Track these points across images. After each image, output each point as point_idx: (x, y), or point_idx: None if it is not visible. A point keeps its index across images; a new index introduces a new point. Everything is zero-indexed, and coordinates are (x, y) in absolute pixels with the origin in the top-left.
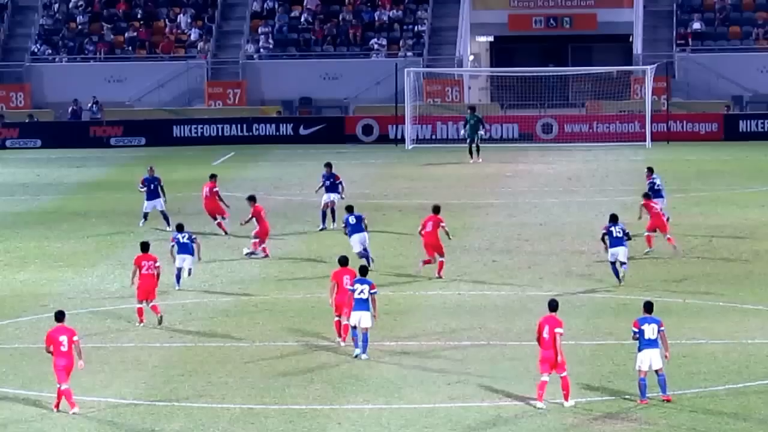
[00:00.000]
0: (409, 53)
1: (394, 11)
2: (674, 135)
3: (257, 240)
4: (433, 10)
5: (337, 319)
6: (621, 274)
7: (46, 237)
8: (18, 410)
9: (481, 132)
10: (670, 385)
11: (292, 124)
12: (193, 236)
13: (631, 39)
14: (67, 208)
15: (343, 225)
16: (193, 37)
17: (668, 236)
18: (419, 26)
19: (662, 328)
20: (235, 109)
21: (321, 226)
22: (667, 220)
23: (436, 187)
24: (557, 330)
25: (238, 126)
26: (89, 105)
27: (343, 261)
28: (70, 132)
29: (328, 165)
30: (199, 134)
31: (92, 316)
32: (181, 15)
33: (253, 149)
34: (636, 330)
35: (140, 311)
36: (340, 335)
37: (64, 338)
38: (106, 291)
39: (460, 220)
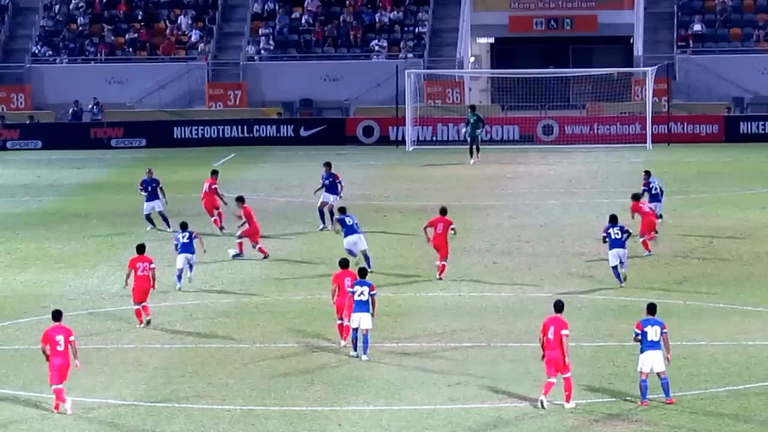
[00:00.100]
0: (410, 55)
1: (395, 13)
2: (675, 137)
3: (242, 240)
4: (433, 12)
5: (339, 322)
6: (622, 276)
7: (46, 238)
8: (18, 411)
9: (479, 131)
10: (671, 386)
11: (292, 126)
12: (194, 233)
13: (631, 41)
14: (68, 210)
15: (338, 224)
16: (193, 39)
17: (645, 238)
18: (420, 28)
19: (665, 331)
20: (235, 110)
21: (321, 226)
22: (660, 217)
23: (437, 189)
24: (563, 332)
25: (239, 127)
26: (90, 106)
27: (344, 263)
28: (70, 133)
29: (328, 164)
30: (200, 136)
31: (93, 317)
32: (182, 16)
33: (253, 150)
34: (638, 331)
35: (138, 312)
36: (342, 338)
37: (60, 338)
38: (106, 292)
39: (461, 222)
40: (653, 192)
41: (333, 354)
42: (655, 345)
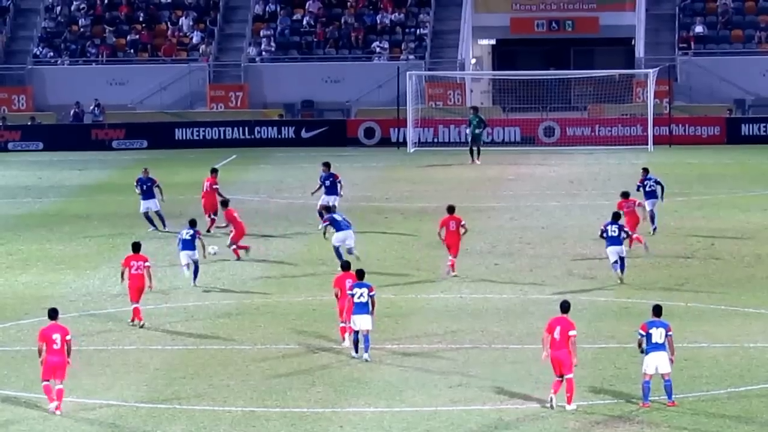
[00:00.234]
0: (411, 56)
1: (396, 14)
2: (676, 138)
3: (235, 247)
4: (435, 13)
5: (342, 325)
6: (621, 269)
7: (47, 239)
8: (20, 412)
9: (478, 130)
10: (672, 389)
11: (294, 127)
12: (198, 233)
13: (633, 42)
14: (69, 211)
15: (327, 222)
16: (195, 40)
17: (635, 235)
18: (421, 29)
19: (670, 333)
20: (237, 112)
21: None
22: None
23: (438, 191)
24: (571, 333)
25: (240, 129)
26: (91, 108)
27: (346, 266)
28: (72, 135)
29: (326, 164)
30: (201, 137)
31: (94, 318)
32: (183, 18)
33: (255, 152)
34: (644, 333)
35: (135, 310)
36: (343, 337)
37: (57, 336)
38: (107, 293)
39: None
40: (648, 189)
41: (334, 355)
42: (659, 347)
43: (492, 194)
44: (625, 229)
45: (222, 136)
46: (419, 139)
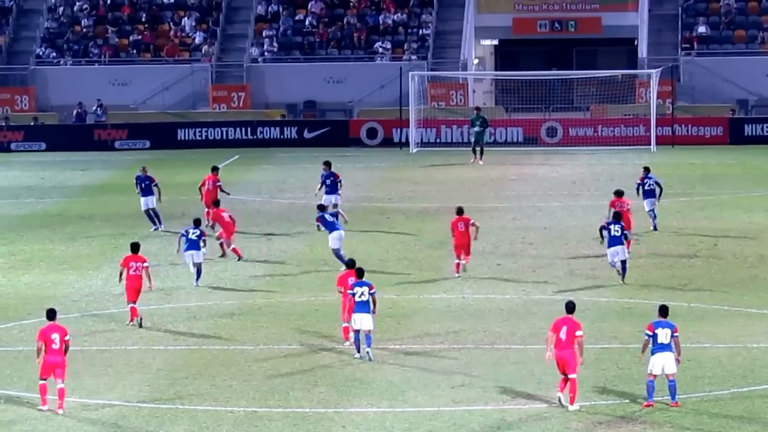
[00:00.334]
0: (414, 57)
1: (399, 14)
2: (679, 139)
3: (233, 246)
4: (437, 14)
5: (345, 324)
6: (622, 272)
7: (50, 240)
8: (22, 412)
9: (478, 129)
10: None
11: (296, 128)
12: (204, 234)
13: (636, 43)
14: (72, 211)
15: (318, 222)
16: (197, 41)
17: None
18: (424, 30)
19: (676, 334)
20: (239, 112)
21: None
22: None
23: (440, 191)
24: (578, 333)
25: (243, 129)
26: (94, 108)
27: (351, 264)
28: (74, 135)
29: (327, 163)
30: (204, 137)
31: (96, 318)
32: (186, 18)
33: (257, 152)
34: (650, 333)
35: (133, 309)
36: (345, 338)
37: (56, 336)
38: (110, 293)
39: None
40: (646, 188)
41: (336, 355)
42: (665, 347)
43: (494, 195)
44: (626, 231)
45: (224, 137)
46: (422, 139)
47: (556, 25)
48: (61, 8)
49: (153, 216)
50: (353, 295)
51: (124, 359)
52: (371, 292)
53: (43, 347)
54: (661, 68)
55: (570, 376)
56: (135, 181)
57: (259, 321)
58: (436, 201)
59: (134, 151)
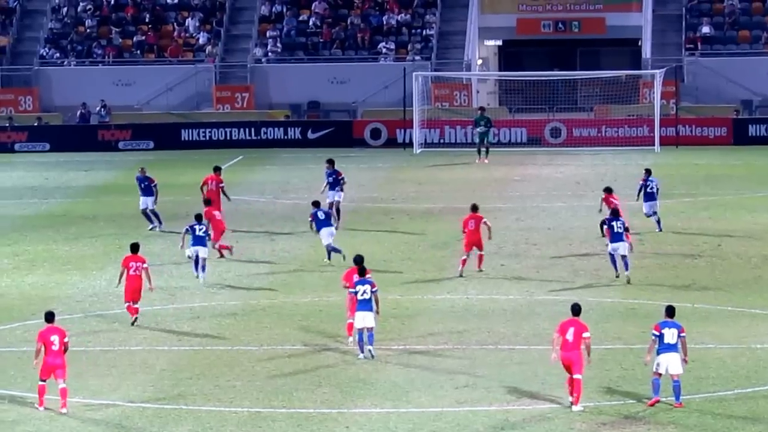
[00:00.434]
0: (418, 57)
1: (403, 15)
2: (683, 139)
3: (225, 244)
4: (441, 14)
5: (350, 321)
6: (621, 271)
7: (54, 240)
8: (26, 413)
9: (481, 129)
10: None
11: (300, 128)
12: (209, 233)
13: (639, 43)
14: (75, 212)
15: (310, 219)
16: (201, 41)
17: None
18: (427, 30)
19: (683, 335)
20: (243, 112)
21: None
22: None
23: (444, 191)
24: (585, 335)
25: (246, 130)
26: (97, 109)
27: (359, 260)
28: (78, 135)
29: (330, 161)
30: (207, 138)
31: (100, 318)
32: (190, 19)
33: (261, 153)
34: (657, 333)
35: (129, 309)
36: (349, 334)
37: (55, 338)
38: (114, 294)
39: None
40: (648, 190)
41: (340, 356)
42: (671, 347)
43: (498, 195)
44: (627, 226)
45: (228, 137)
46: (425, 140)
47: (560, 25)
48: (65, 9)
49: (152, 216)
50: (355, 293)
51: (127, 359)
52: (373, 290)
53: (43, 349)
54: (664, 69)
55: (575, 377)
56: (136, 181)
57: (263, 321)
58: (439, 201)
59: (138, 151)
